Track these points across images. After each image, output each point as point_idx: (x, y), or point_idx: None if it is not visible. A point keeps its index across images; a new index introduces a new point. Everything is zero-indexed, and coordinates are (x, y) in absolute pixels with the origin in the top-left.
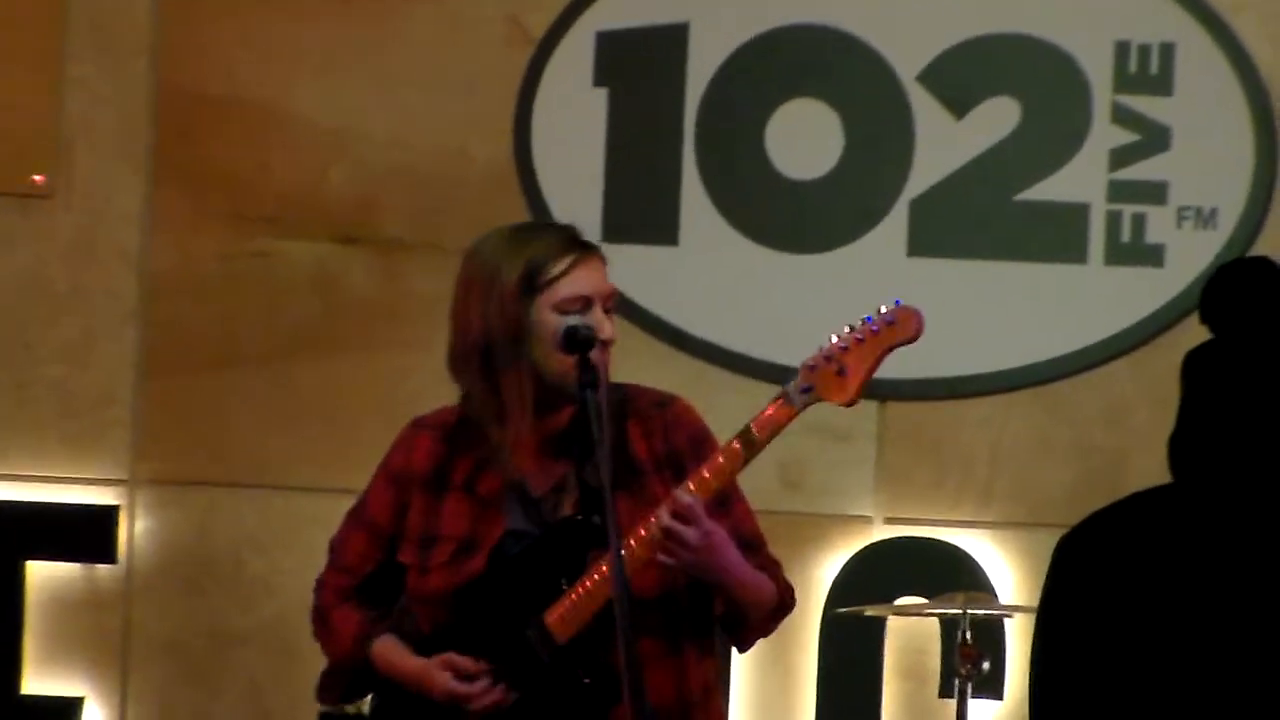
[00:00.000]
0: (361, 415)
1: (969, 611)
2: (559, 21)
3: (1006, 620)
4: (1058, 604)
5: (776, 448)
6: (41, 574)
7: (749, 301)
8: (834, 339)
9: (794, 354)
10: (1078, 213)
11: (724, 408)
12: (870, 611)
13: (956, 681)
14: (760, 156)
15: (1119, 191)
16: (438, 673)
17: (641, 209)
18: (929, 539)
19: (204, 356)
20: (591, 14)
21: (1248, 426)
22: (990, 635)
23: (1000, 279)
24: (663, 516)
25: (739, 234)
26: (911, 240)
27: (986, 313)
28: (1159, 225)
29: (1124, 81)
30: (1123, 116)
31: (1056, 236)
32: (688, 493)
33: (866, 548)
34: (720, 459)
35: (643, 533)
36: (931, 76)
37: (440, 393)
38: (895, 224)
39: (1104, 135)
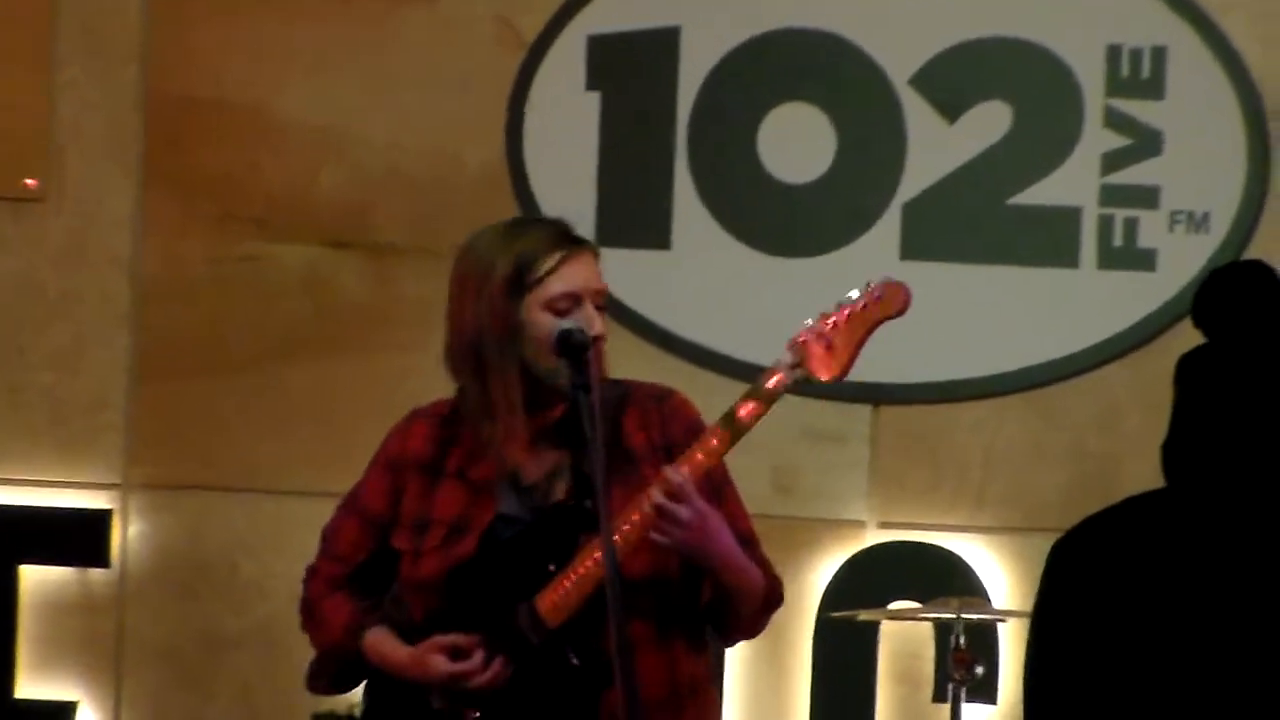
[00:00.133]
0: (353, 419)
1: (963, 616)
2: (551, 25)
3: (1000, 625)
4: (1052, 609)
5: (770, 452)
6: (35, 578)
7: (741, 305)
8: (821, 315)
9: None
10: (1070, 217)
11: (716, 411)
12: (864, 616)
13: (950, 686)
14: (752, 160)
15: (1111, 195)
16: (432, 658)
17: (633, 212)
18: (923, 543)
19: (196, 361)
20: (583, 17)
21: (1241, 430)
22: (984, 640)
23: (993, 283)
24: (655, 495)
25: (731, 237)
26: (904, 244)
27: (979, 317)
28: (1151, 229)
29: (1116, 85)
30: (1115, 120)
31: (1049, 240)
32: (678, 472)
33: (860, 552)
34: (713, 440)
35: (635, 515)
36: (923, 80)
37: (433, 396)
38: (888, 228)
39: (1096, 139)
